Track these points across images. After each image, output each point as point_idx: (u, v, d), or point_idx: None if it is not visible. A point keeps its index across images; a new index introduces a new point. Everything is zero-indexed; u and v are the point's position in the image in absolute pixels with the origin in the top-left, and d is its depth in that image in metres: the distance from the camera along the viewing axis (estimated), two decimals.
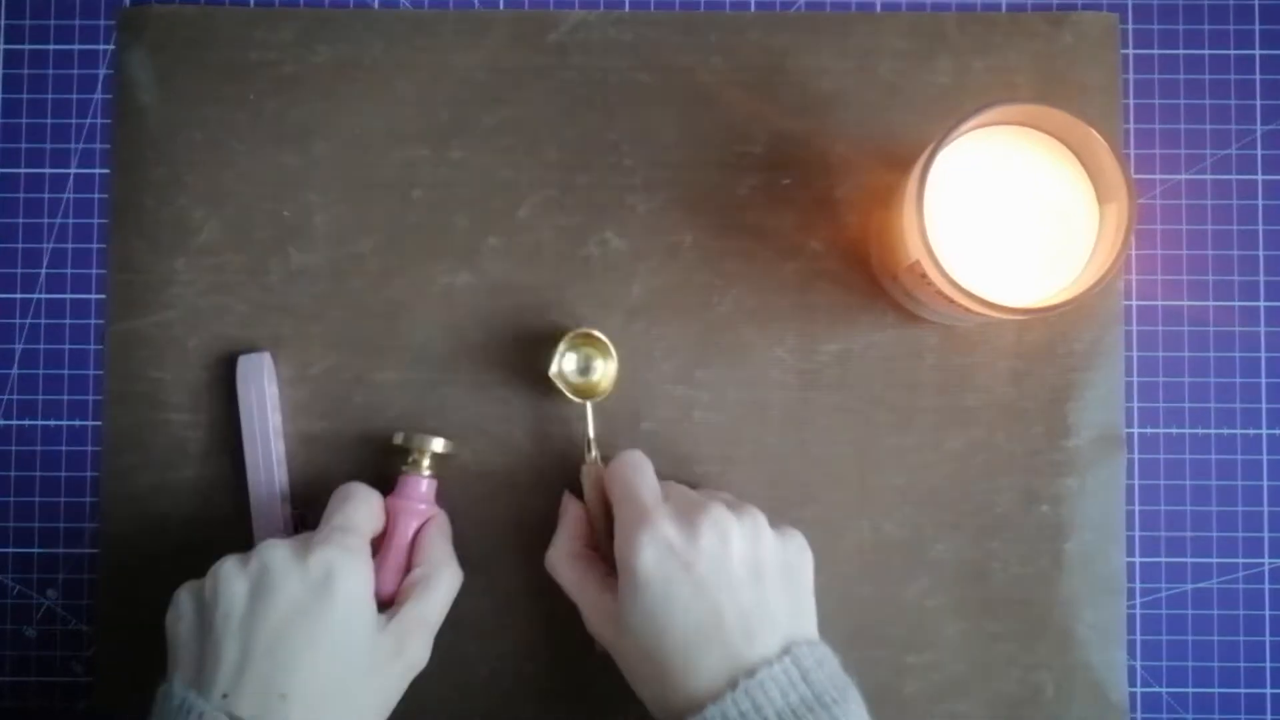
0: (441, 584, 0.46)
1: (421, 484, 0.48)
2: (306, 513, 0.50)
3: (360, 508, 0.46)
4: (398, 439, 0.49)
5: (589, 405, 0.49)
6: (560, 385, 0.49)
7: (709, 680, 0.41)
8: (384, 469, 0.50)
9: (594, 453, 0.49)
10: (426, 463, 0.48)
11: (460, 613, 0.50)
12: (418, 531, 0.48)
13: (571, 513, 0.48)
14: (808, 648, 0.42)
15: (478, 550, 0.50)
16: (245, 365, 0.49)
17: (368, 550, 0.45)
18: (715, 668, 0.41)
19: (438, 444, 0.48)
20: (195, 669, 0.41)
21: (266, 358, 0.50)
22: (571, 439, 0.50)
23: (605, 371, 0.49)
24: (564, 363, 0.49)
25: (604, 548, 0.48)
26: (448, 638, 0.50)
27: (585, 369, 0.49)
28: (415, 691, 0.50)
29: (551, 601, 0.49)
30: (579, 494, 0.49)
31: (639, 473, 0.46)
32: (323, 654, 0.41)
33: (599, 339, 0.49)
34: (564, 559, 0.47)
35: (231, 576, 0.42)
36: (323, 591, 0.42)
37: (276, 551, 0.42)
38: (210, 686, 0.40)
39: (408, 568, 0.47)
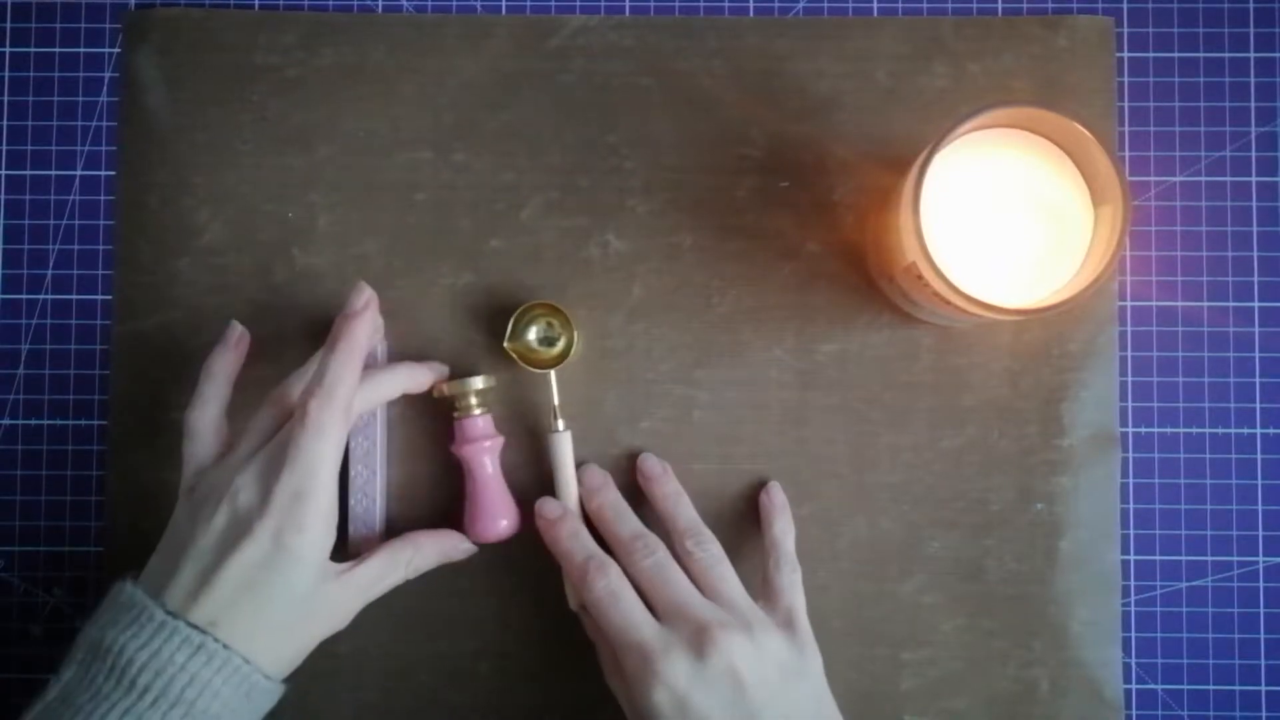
0: (393, 566, 0.47)
1: (478, 423, 0.49)
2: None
3: (323, 444, 0.43)
4: (438, 393, 0.49)
5: (553, 374, 0.50)
6: (515, 357, 0.50)
7: None
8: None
9: (560, 422, 0.49)
10: (474, 401, 0.49)
11: (458, 609, 0.51)
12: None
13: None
14: None
15: (487, 553, 0.51)
16: None
17: (331, 495, 0.44)
18: None
19: (478, 382, 0.49)
20: (160, 578, 0.43)
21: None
22: (580, 437, 0.51)
23: (564, 339, 0.50)
24: (527, 334, 0.50)
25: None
26: (445, 635, 0.51)
27: (547, 338, 0.50)
28: (416, 689, 0.51)
29: (548, 596, 0.50)
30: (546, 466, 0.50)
31: (625, 609, 0.45)
32: (262, 600, 0.42)
33: (555, 307, 0.50)
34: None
35: (218, 508, 0.43)
36: (282, 552, 0.42)
37: (246, 498, 0.43)
38: (163, 597, 0.42)
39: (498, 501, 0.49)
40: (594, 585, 0.46)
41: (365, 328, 0.45)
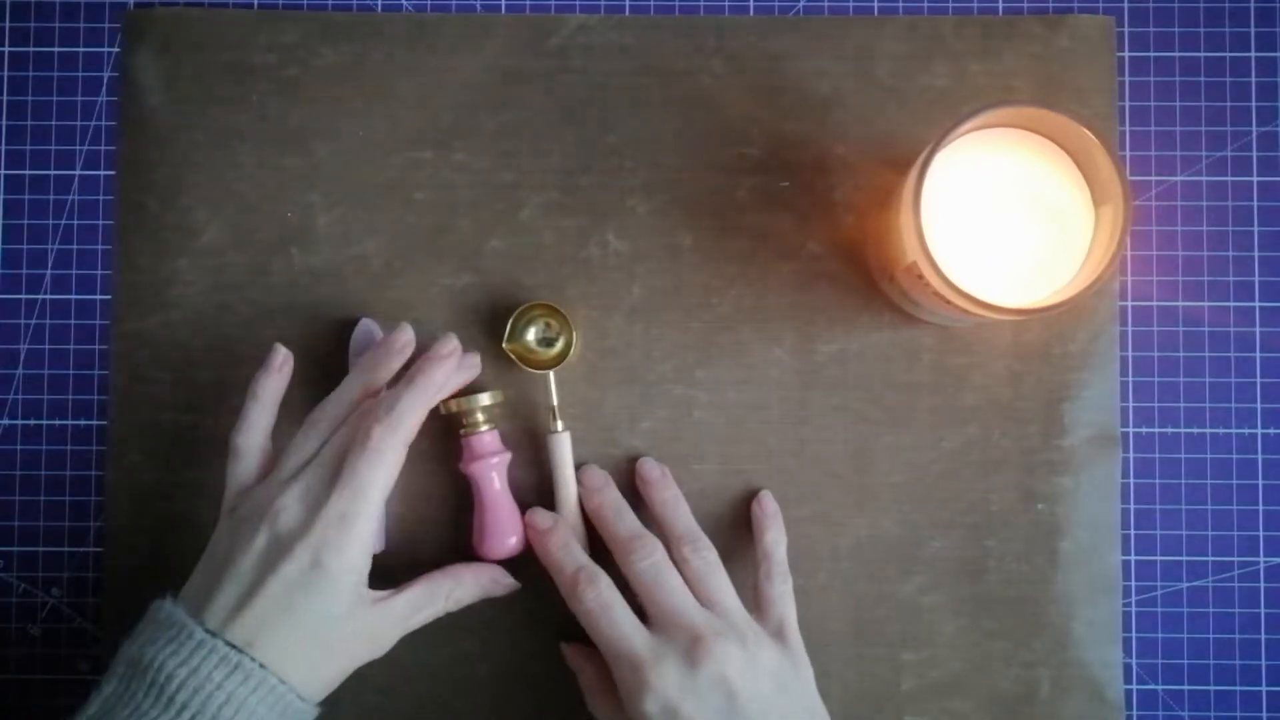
0: (432, 598, 0.47)
1: (485, 439, 0.49)
2: None
3: (379, 471, 0.44)
4: (444, 410, 0.49)
5: (551, 375, 0.50)
6: (514, 357, 0.50)
7: None
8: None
9: (559, 423, 0.49)
10: (481, 418, 0.49)
11: (459, 612, 0.51)
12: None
13: (589, 661, 0.49)
14: None
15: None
16: (362, 329, 0.50)
17: (375, 522, 0.44)
18: None
19: (485, 398, 0.49)
20: (200, 597, 0.43)
21: (375, 324, 0.50)
22: (579, 438, 0.50)
23: (563, 339, 0.50)
24: (525, 335, 0.50)
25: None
26: (446, 639, 0.50)
27: (545, 339, 0.50)
28: (417, 693, 0.51)
29: (549, 599, 0.50)
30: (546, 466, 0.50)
31: (616, 619, 0.45)
32: (298, 621, 0.43)
33: (554, 308, 0.50)
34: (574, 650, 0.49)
35: (258, 528, 0.43)
36: (318, 572, 0.43)
37: (288, 519, 0.43)
38: (203, 615, 0.42)
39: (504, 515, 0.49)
40: (584, 597, 0.46)
41: (445, 373, 0.47)
